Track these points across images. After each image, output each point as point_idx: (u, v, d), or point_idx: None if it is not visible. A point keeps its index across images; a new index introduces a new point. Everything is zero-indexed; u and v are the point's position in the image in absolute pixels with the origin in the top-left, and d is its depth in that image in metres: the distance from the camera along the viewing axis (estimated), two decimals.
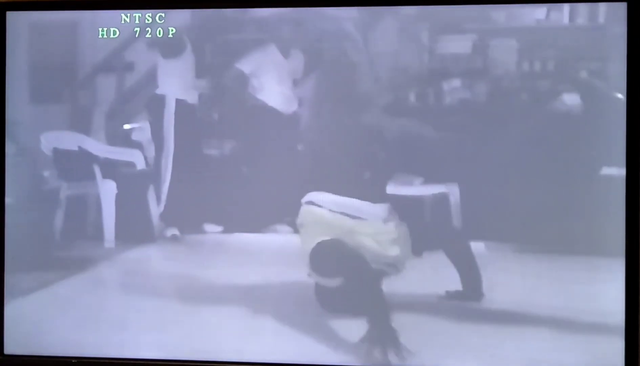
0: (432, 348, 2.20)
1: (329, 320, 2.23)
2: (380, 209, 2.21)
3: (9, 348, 2.33)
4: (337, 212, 2.23)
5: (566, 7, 2.18)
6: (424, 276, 2.20)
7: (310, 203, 2.23)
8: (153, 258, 2.30)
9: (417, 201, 2.21)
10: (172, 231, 2.30)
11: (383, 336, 2.20)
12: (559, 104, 2.17)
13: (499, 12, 2.19)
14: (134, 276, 2.31)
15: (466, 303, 2.18)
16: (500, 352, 2.18)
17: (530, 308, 2.17)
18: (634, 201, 2.13)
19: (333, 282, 2.23)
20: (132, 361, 2.28)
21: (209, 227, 2.29)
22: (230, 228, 2.28)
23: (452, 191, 2.20)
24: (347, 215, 2.23)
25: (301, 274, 2.24)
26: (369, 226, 2.22)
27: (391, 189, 2.22)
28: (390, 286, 2.21)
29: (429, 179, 2.21)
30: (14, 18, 2.32)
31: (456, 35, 2.20)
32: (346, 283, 2.23)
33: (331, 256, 2.23)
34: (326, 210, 2.23)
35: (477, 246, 2.19)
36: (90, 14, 2.30)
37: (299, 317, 2.24)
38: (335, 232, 2.22)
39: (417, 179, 2.22)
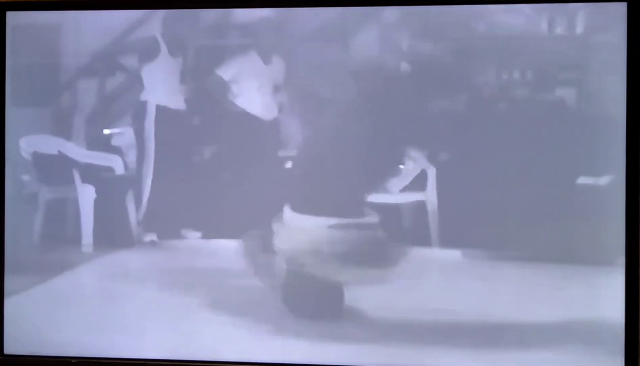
0: (432, 348, 2.20)
1: (311, 323, 2.23)
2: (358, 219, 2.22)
3: (9, 348, 2.32)
4: (305, 229, 2.23)
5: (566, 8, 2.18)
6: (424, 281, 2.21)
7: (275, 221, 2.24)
8: (131, 263, 2.30)
9: (410, 209, 2.22)
10: (151, 237, 2.30)
11: (383, 336, 2.21)
12: (559, 108, 2.18)
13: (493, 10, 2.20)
14: (111, 281, 2.30)
15: (465, 305, 2.18)
16: (500, 352, 2.18)
17: (530, 308, 2.17)
18: (634, 206, 2.13)
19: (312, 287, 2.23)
20: (132, 361, 2.28)
21: (188, 233, 2.29)
22: (208, 233, 2.28)
23: (447, 198, 2.20)
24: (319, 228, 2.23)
25: (278, 280, 2.24)
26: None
27: (372, 198, 2.23)
28: (386, 288, 2.21)
29: (422, 186, 2.23)
30: None
31: (439, 40, 2.21)
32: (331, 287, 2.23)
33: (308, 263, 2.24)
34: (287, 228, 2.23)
35: (474, 253, 2.20)
36: (73, 15, 2.30)
37: (278, 322, 2.24)
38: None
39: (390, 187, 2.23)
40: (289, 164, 2.25)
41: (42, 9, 2.32)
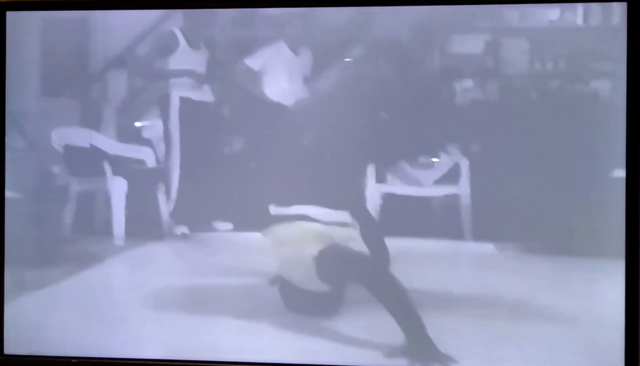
0: (432, 349, 2.18)
1: (337, 320, 2.22)
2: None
3: (9, 348, 2.33)
4: (327, 223, 2.22)
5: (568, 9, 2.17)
6: (422, 275, 2.19)
7: (301, 216, 2.23)
8: (162, 256, 2.30)
9: (420, 201, 2.20)
10: (182, 229, 2.30)
11: (383, 336, 2.20)
12: (559, 105, 2.16)
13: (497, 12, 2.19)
14: (142, 273, 2.30)
15: (465, 303, 2.17)
16: (500, 352, 2.16)
17: (531, 308, 2.16)
18: (634, 201, 2.11)
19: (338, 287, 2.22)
20: (132, 361, 2.27)
21: (219, 225, 2.28)
22: (239, 226, 2.27)
23: (457, 192, 2.19)
24: (341, 224, 2.22)
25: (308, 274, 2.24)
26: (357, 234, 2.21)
27: (405, 190, 2.22)
28: (388, 286, 2.20)
29: (427, 181, 2.21)
30: (25, 13, 2.32)
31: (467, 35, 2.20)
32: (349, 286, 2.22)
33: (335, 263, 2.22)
34: (316, 223, 2.22)
35: (481, 247, 2.18)
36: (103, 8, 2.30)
37: (306, 317, 2.23)
38: (330, 242, 2.21)
39: (421, 179, 2.22)
40: (317, 156, 2.24)
41: (42, 9, 2.31)
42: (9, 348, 2.33)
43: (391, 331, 2.19)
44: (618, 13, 2.13)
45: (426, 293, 2.19)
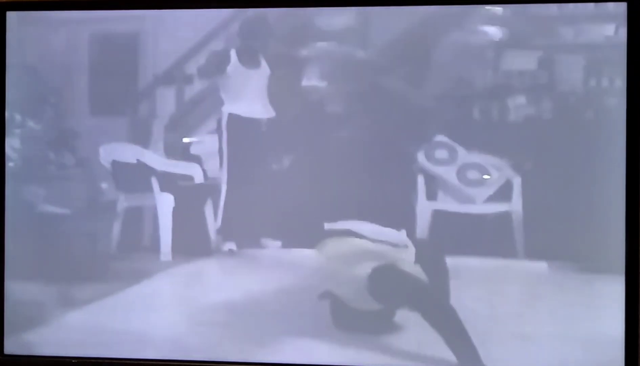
0: (432, 350, 2.16)
1: (387, 339, 2.20)
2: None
3: (9, 348, 2.32)
4: (378, 241, 2.20)
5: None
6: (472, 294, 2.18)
7: (351, 233, 2.21)
8: (209, 272, 2.28)
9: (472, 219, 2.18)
10: (230, 246, 2.29)
11: (432, 356, 2.17)
12: (558, 113, 2.15)
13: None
14: (189, 290, 2.29)
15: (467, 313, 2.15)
16: (501, 355, 2.14)
17: (531, 317, 2.14)
18: (634, 209, 2.09)
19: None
20: (132, 361, 2.26)
21: (267, 242, 2.27)
22: (287, 243, 2.26)
23: (509, 209, 2.16)
24: (388, 243, 2.20)
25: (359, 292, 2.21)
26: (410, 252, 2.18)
27: (457, 208, 2.19)
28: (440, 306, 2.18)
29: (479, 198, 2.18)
30: (74, 25, 2.33)
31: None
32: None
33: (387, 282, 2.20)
34: (367, 240, 2.20)
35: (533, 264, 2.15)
36: (152, 23, 2.30)
37: (355, 335, 2.21)
38: (381, 259, 2.19)
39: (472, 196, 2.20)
40: (367, 173, 2.22)
41: (42, 9, 2.32)
42: (9, 348, 2.32)
43: (441, 352, 2.16)
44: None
45: (476, 312, 2.16)
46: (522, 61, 2.18)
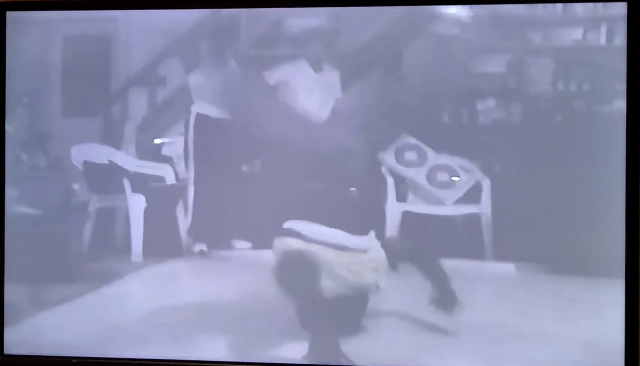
0: (431, 349, 2.17)
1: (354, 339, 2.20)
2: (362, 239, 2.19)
3: (9, 348, 2.32)
4: (317, 242, 2.21)
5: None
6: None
7: (291, 232, 2.21)
8: (180, 273, 2.29)
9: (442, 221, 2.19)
10: (200, 247, 2.29)
11: (379, 339, 2.19)
12: (581, 126, 2.15)
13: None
14: (159, 290, 2.29)
15: (465, 316, 2.16)
16: (501, 356, 2.15)
17: (530, 318, 2.15)
18: (634, 211, 2.10)
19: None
20: (132, 361, 2.26)
21: (237, 243, 2.27)
22: (257, 244, 2.26)
23: (478, 211, 2.17)
24: (327, 245, 2.20)
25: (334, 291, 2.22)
26: (348, 256, 2.20)
27: (426, 210, 2.20)
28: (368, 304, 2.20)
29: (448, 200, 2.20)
30: (48, 26, 2.33)
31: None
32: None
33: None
34: (304, 242, 2.21)
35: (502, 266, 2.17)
36: (124, 25, 2.31)
37: (324, 335, 2.22)
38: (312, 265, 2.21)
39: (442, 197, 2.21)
40: (337, 174, 2.23)
41: (42, 9, 2.32)
42: (9, 348, 2.32)
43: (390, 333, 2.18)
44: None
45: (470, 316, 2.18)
46: (494, 64, 2.20)
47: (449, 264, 2.18)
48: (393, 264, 2.20)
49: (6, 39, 2.33)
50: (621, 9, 2.11)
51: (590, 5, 2.15)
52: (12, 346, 2.31)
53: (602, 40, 2.15)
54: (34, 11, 2.33)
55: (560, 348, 2.14)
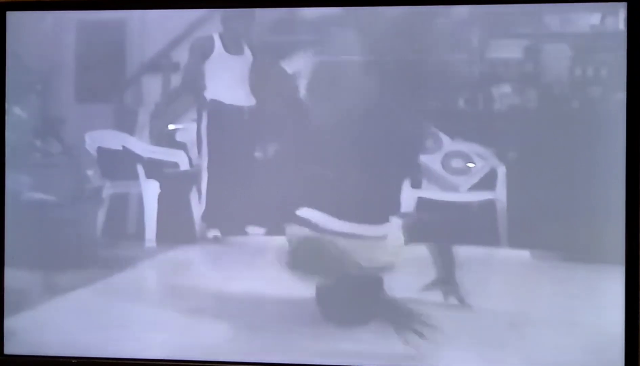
0: (431, 349, 2.17)
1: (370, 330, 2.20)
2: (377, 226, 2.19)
3: (9, 348, 2.32)
4: (330, 231, 2.20)
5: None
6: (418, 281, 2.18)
7: (304, 220, 2.21)
8: (194, 259, 2.28)
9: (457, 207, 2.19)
10: (214, 233, 2.29)
11: (378, 337, 2.18)
12: (557, 109, 2.15)
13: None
14: (173, 276, 2.29)
15: (465, 306, 2.16)
16: (500, 353, 2.15)
17: (531, 310, 2.15)
18: (634, 204, 2.10)
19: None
20: (132, 361, 2.26)
21: (251, 229, 2.27)
22: (272, 230, 2.26)
23: (493, 197, 2.17)
24: (340, 234, 2.20)
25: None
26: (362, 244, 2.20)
27: (442, 196, 2.20)
28: (383, 290, 2.20)
29: (423, 185, 2.20)
30: (59, 16, 2.33)
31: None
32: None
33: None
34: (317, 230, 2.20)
35: (482, 251, 2.17)
36: (138, 12, 2.31)
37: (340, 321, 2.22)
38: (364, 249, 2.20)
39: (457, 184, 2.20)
40: (352, 160, 2.22)
41: (42, 9, 2.32)
42: (9, 348, 2.32)
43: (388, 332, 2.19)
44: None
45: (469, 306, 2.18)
46: (509, 50, 2.19)
47: (462, 251, 2.18)
48: (408, 252, 2.19)
49: (6, 38, 2.33)
50: None
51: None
52: (12, 346, 2.32)
53: (621, 25, 2.14)
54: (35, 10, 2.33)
55: (560, 345, 2.14)
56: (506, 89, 2.18)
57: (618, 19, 2.14)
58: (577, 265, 2.15)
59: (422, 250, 2.20)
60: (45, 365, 2.30)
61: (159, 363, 2.26)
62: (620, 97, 2.12)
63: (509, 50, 2.18)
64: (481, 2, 2.18)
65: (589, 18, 2.16)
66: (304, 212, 2.23)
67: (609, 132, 2.13)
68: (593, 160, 2.14)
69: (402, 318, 2.19)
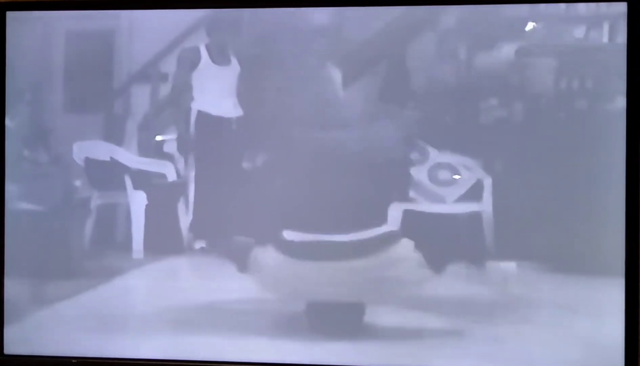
0: (431, 348, 2.17)
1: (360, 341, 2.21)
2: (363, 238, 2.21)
3: (9, 348, 2.32)
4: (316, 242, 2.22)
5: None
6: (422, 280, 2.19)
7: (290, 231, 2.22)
8: (181, 270, 2.29)
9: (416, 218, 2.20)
10: (201, 244, 2.29)
11: (377, 335, 2.19)
12: (547, 118, 2.16)
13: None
14: (161, 287, 2.29)
15: (465, 307, 2.17)
16: (501, 352, 2.15)
17: (531, 310, 2.15)
18: (634, 207, 2.11)
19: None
20: (132, 361, 2.26)
21: (239, 239, 2.27)
22: (259, 241, 2.26)
23: (479, 209, 2.17)
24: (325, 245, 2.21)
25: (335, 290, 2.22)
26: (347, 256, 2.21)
27: (428, 208, 2.21)
28: (385, 291, 2.21)
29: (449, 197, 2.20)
30: (50, 23, 2.33)
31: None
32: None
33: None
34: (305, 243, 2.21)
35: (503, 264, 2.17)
36: (127, 22, 2.31)
37: (327, 333, 2.22)
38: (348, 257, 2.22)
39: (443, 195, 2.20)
40: (339, 172, 2.23)
41: (42, 9, 2.32)
42: (9, 348, 2.32)
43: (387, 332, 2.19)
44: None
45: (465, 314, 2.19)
46: (494, 62, 2.19)
47: (450, 262, 2.18)
48: (395, 262, 2.20)
49: (6, 38, 2.33)
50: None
51: (592, 4, 2.15)
52: (12, 346, 2.32)
53: (605, 38, 2.15)
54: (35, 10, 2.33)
55: (560, 347, 2.14)
56: (493, 101, 2.18)
57: (602, 30, 2.15)
58: (576, 276, 2.15)
59: (409, 261, 2.20)
60: (45, 365, 2.29)
61: (159, 363, 2.26)
62: (619, 104, 2.12)
63: (496, 61, 2.18)
64: (482, 2, 2.19)
65: (577, 30, 2.17)
66: (291, 223, 2.23)
67: (607, 140, 2.13)
68: (592, 168, 2.14)
69: (392, 328, 2.19)
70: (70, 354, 2.30)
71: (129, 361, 2.27)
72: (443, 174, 2.21)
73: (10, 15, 2.33)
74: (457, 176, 2.20)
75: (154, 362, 2.26)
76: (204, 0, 2.27)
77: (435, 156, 2.20)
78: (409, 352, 2.18)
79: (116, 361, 2.27)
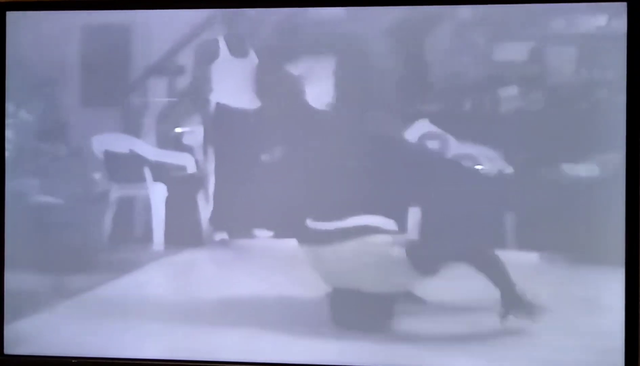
0: (431, 349, 2.17)
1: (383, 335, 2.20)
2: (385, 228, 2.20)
3: (9, 348, 2.32)
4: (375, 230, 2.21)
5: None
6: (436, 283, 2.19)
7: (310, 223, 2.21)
8: (201, 262, 2.29)
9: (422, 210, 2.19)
10: (221, 236, 2.29)
11: (380, 334, 2.19)
12: (559, 111, 2.15)
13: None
14: (181, 279, 2.29)
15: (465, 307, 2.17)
16: (501, 352, 2.15)
17: (530, 309, 2.15)
18: (634, 202, 2.11)
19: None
20: (132, 361, 2.27)
21: (258, 232, 2.27)
22: (279, 233, 2.26)
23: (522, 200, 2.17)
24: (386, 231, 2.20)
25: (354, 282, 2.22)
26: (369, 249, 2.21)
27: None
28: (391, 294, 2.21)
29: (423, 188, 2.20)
30: (65, 19, 2.33)
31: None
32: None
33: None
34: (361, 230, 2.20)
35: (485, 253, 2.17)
36: (145, 16, 2.30)
37: (350, 325, 2.22)
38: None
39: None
40: (358, 163, 2.22)
41: (42, 9, 2.32)
42: (9, 348, 2.32)
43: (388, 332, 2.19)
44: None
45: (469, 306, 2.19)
46: (514, 53, 2.19)
47: (469, 252, 2.18)
48: (416, 255, 2.19)
49: (6, 38, 2.33)
50: None
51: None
52: (12, 346, 2.33)
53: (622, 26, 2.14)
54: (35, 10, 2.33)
55: (560, 346, 2.14)
56: (513, 90, 2.17)
57: (620, 19, 2.14)
58: (579, 266, 2.14)
59: (429, 252, 2.20)
60: (45, 365, 2.30)
61: (159, 363, 2.26)
62: (621, 99, 2.11)
63: (515, 52, 2.17)
64: (482, 2, 2.17)
65: (590, 19, 2.16)
66: (311, 214, 2.23)
67: (610, 134, 2.12)
68: (594, 161, 2.13)
69: (407, 320, 2.19)
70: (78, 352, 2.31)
71: (129, 361, 2.27)
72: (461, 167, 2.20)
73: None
74: (478, 167, 2.19)
75: (154, 362, 2.27)
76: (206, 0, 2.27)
77: (455, 146, 2.20)
78: (418, 353, 2.19)
79: (116, 361, 2.27)
